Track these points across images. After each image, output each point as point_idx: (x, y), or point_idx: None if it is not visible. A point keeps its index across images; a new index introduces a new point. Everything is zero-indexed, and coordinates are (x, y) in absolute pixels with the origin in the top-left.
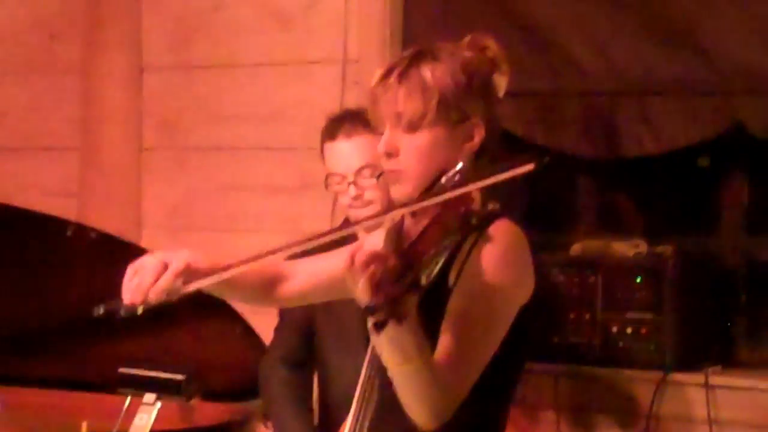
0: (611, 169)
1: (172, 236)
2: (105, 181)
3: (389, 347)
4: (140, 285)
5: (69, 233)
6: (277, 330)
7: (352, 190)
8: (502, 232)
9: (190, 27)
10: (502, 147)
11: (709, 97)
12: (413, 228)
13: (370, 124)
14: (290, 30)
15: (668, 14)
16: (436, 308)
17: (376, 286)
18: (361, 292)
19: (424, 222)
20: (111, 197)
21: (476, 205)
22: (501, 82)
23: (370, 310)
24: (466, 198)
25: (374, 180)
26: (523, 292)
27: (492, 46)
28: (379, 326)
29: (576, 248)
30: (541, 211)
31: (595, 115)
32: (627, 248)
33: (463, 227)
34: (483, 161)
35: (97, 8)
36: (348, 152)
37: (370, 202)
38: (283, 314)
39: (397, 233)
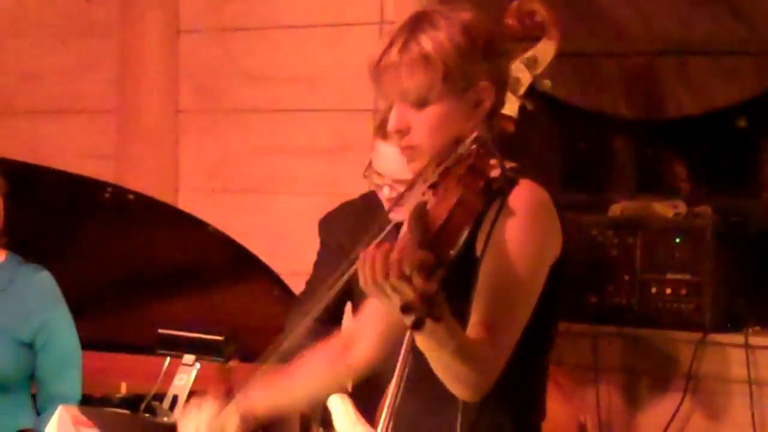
0: (650, 129)
1: (209, 198)
2: (142, 143)
3: (424, 338)
4: None
5: (107, 195)
6: (308, 283)
7: (387, 191)
8: (525, 194)
9: None
10: (540, 109)
11: (749, 57)
12: (437, 208)
13: None
14: None
15: None
16: (464, 279)
17: (409, 284)
18: (394, 293)
19: (448, 200)
20: (148, 159)
21: (496, 172)
22: (550, 48)
23: (406, 310)
24: (483, 168)
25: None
26: (550, 252)
27: (540, 10)
28: (418, 325)
29: (615, 209)
30: (580, 172)
31: (634, 76)
32: (666, 209)
33: (486, 197)
34: (495, 121)
35: None
36: (393, 158)
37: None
38: (316, 270)
39: (421, 219)
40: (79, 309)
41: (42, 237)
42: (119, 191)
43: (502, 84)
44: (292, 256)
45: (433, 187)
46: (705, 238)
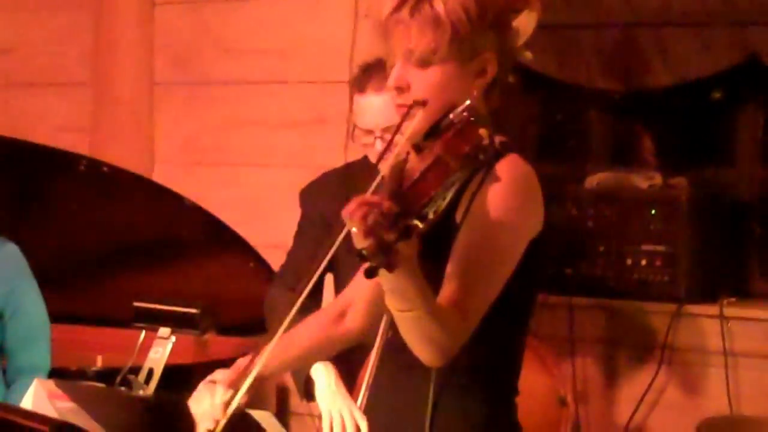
0: (627, 101)
1: (185, 171)
2: (117, 116)
3: (389, 294)
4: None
5: (82, 168)
6: (289, 254)
7: (379, 144)
8: (510, 167)
9: None
10: (515, 79)
11: (724, 29)
12: (415, 165)
13: None
14: None
15: None
16: (443, 246)
17: (367, 232)
18: (354, 238)
19: (427, 160)
20: (123, 132)
21: (484, 141)
22: (531, 20)
23: (360, 257)
24: (471, 136)
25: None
26: (531, 227)
27: None
28: (370, 273)
29: (591, 181)
30: (556, 144)
31: (611, 48)
32: (641, 181)
33: (469, 164)
34: (494, 94)
35: None
36: (377, 108)
37: None
38: (298, 240)
39: (398, 173)
40: (54, 282)
41: (17, 209)
42: (94, 164)
43: (506, 58)
44: (267, 228)
45: (416, 148)
46: (680, 209)
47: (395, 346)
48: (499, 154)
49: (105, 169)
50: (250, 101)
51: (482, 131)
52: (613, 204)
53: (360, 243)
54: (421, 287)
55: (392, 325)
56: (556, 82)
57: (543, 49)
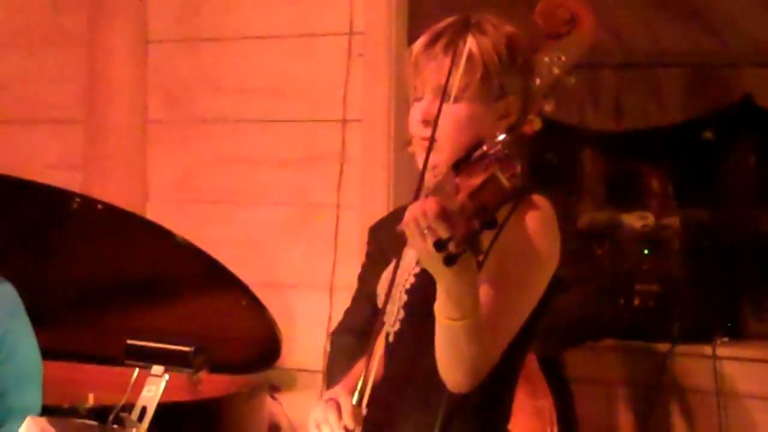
0: (619, 141)
1: (178, 209)
2: (110, 153)
3: (446, 299)
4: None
5: (75, 205)
6: (353, 299)
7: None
8: (540, 206)
9: None
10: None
11: (716, 69)
12: (465, 184)
13: None
14: (296, 2)
15: None
16: None
17: (447, 221)
18: (434, 229)
19: (477, 178)
20: (116, 170)
21: (519, 174)
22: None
23: (441, 244)
24: (509, 166)
25: None
26: (553, 265)
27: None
28: (451, 260)
29: (583, 220)
30: (549, 184)
31: (603, 87)
32: (634, 220)
33: (514, 190)
34: (513, 137)
35: None
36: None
37: None
38: (361, 284)
39: (449, 184)
40: (47, 319)
41: (10, 247)
42: (88, 201)
43: (528, 103)
44: (260, 266)
45: (456, 169)
46: (673, 249)
47: (404, 376)
48: (527, 190)
49: (99, 206)
50: (243, 139)
51: (517, 165)
52: (606, 244)
53: (444, 231)
54: (476, 295)
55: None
56: (548, 122)
57: None
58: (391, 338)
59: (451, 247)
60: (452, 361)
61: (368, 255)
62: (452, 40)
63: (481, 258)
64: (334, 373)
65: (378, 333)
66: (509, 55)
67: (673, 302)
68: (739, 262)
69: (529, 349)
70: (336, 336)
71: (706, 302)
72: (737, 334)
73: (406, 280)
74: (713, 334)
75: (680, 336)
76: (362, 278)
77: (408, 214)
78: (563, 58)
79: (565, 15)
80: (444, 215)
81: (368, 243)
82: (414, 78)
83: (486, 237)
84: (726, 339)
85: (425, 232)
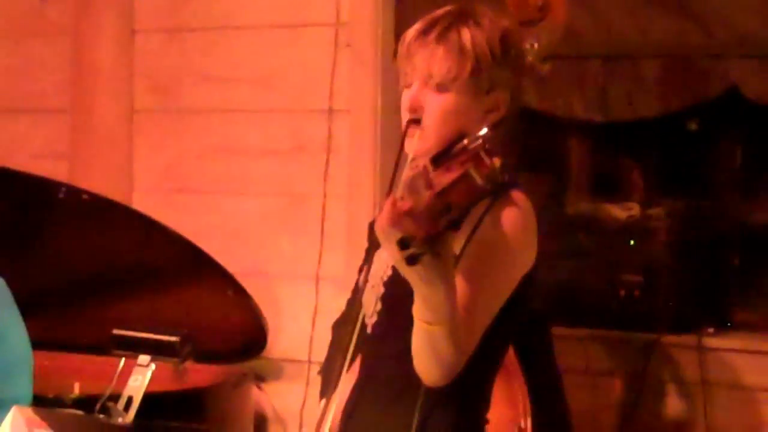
0: (605, 132)
1: (164, 198)
2: (96, 143)
3: (421, 303)
4: None
5: (61, 195)
6: (353, 291)
7: None
8: (517, 203)
9: None
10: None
11: (702, 61)
12: (440, 177)
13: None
14: None
15: None
16: None
17: (412, 220)
18: (395, 227)
19: (452, 174)
20: (102, 160)
21: (497, 170)
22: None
23: (404, 242)
24: (487, 163)
25: None
26: (528, 260)
27: None
28: (413, 260)
29: (569, 211)
30: (534, 175)
31: (589, 78)
32: (620, 211)
33: (489, 188)
34: (499, 132)
35: None
36: None
37: None
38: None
39: (423, 179)
40: (32, 309)
41: None
42: (73, 191)
43: (516, 99)
44: (246, 256)
45: (434, 162)
46: (659, 240)
47: (375, 376)
48: (505, 186)
49: (85, 196)
50: (229, 129)
51: (496, 161)
52: (591, 234)
53: (408, 230)
54: (452, 299)
55: (371, 356)
56: (535, 114)
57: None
58: (369, 329)
59: (414, 247)
60: (427, 360)
61: (366, 250)
62: (446, 30)
63: (456, 255)
64: (326, 365)
65: (355, 323)
66: (502, 50)
67: (659, 293)
68: (725, 253)
69: (509, 340)
70: (338, 326)
71: (691, 293)
72: (723, 324)
73: (384, 272)
74: (699, 324)
75: (666, 326)
76: (358, 274)
77: (380, 213)
78: (536, 46)
79: (537, 1)
80: (409, 213)
81: (368, 238)
82: (405, 64)
83: (462, 234)
84: (712, 329)
85: (391, 230)
